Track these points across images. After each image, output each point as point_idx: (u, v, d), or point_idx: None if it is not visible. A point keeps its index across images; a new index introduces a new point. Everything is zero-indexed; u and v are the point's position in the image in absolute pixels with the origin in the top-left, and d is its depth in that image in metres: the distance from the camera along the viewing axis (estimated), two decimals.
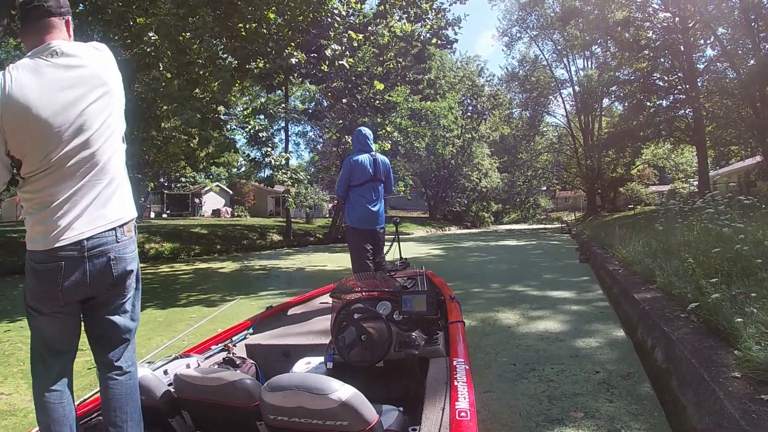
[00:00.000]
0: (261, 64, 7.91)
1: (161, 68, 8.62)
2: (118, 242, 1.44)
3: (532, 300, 5.64)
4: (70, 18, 1.54)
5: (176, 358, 2.15)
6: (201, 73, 7.46)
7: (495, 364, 3.26)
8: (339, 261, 12.05)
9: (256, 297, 6.48)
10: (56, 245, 1.35)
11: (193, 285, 8.35)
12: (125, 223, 1.48)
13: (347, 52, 7.48)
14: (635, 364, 3.19)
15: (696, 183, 28.76)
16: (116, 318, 1.50)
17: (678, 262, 4.63)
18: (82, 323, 1.54)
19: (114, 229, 1.44)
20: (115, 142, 1.49)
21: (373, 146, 4.28)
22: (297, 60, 7.20)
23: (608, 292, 5.71)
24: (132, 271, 1.50)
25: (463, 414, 1.37)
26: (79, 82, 1.41)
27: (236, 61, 7.54)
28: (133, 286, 1.54)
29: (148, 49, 8.48)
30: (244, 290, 7.43)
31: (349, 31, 7.30)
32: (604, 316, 4.64)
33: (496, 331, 4.23)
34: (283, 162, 13.38)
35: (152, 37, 8.49)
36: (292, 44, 8.09)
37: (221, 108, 9.38)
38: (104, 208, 1.43)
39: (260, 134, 12.85)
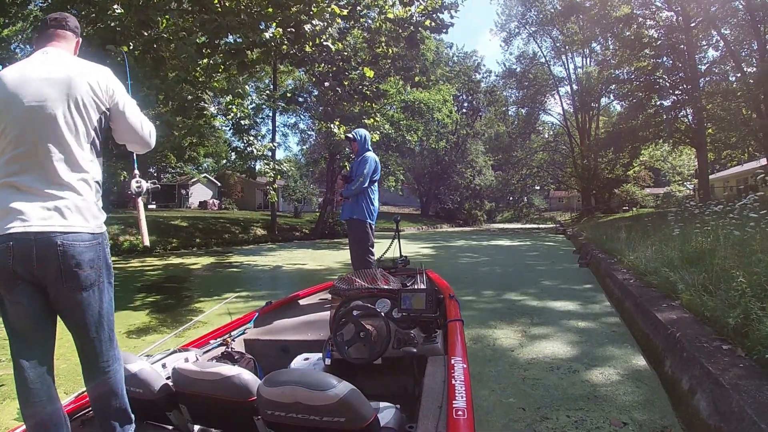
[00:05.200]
0: (233, 40, 7.11)
1: (131, 46, 7.84)
2: (68, 230, 1.39)
3: (532, 312, 4.96)
4: (80, 41, 1.70)
5: (174, 351, 2.14)
6: (165, 47, 6.66)
7: (500, 407, 2.58)
8: (321, 259, 11.33)
9: (221, 302, 5.71)
10: (7, 232, 1.35)
11: (156, 284, 7.57)
12: (79, 233, 1.42)
13: (329, 30, 6.70)
14: (667, 409, 2.52)
15: (692, 186, 28.39)
16: (82, 318, 1.45)
17: (706, 275, 3.97)
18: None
19: (63, 227, 1.39)
20: (82, 148, 1.47)
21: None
22: (272, 35, 6.44)
23: (618, 305, 5.03)
24: (82, 262, 1.41)
25: (460, 413, 1.35)
26: (51, 84, 1.43)
27: (205, 36, 6.71)
28: (94, 280, 1.45)
29: (113, 24, 7.69)
30: (208, 292, 6.66)
31: (332, 5, 6.52)
32: (618, 337, 3.97)
33: (496, 356, 3.53)
34: (266, 152, 12.55)
35: (116, 10, 7.70)
36: (274, 23, 7.33)
37: (207, 95, 8.63)
38: (55, 210, 1.39)
39: (242, 122, 11.95)
